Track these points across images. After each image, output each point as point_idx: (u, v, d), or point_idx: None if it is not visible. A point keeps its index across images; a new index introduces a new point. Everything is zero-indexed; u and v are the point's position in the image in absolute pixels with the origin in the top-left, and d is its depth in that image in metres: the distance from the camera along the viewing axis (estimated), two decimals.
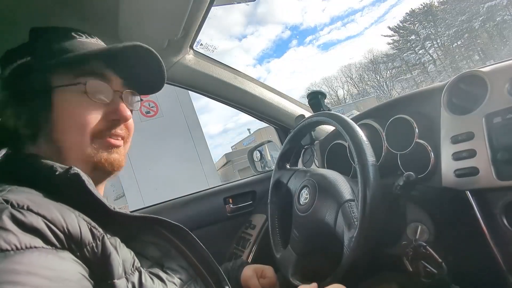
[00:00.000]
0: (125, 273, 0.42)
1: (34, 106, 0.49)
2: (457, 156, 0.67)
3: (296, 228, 0.82)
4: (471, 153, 0.64)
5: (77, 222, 0.40)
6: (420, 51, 33.91)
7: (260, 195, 1.30)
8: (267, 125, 1.42)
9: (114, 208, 0.46)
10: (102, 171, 0.51)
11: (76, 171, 0.44)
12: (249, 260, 1.14)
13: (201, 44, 1.04)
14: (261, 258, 1.11)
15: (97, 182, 0.52)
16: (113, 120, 0.52)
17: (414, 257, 0.66)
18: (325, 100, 1.11)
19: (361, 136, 0.68)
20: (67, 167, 0.45)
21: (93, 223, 0.42)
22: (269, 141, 1.56)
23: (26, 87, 0.49)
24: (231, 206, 1.26)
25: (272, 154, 1.64)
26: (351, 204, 0.69)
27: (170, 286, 0.47)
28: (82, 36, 0.54)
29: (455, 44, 31.20)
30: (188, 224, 1.16)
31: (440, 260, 0.62)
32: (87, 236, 0.40)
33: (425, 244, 0.65)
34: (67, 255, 0.38)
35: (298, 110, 1.29)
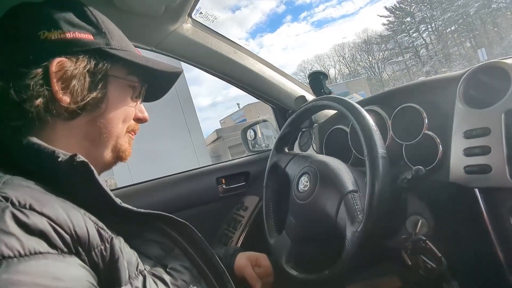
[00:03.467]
0: (129, 277, 0.39)
1: (88, 85, 0.46)
2: (468, 152, 0.64)
3: (292, 215, 0.79)
4: (485, 150, 0.61)
5: (84, 222, 0.36)
6: (414, 34, 33.72)
7: (253, 176, 1.27)
8: (257, 100, 1.35)
9: (120, 203, 0.42)
10: (118, 159, 0.54)
11: (82, 159, 0.39)
12: (240, 242, 1.13)
13: (201, 13, 0.95)
14: (252, 241, 1.11)
15: (100, 172, 0.50)
16: (138, 118, 0.57)
17: (414, 251, 0.65)
18: None
19: (372, 125, 0.64)
20: (70, 154, 0.39)
21: (100, 224, 0.38)
22: (264, 121, 1.50)
23: (88, 66, 0.45)
24: (223, 186, 1.23)
25: (263, 131, 1.59)
26: (354, 196, 0.66)
27: None
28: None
29: (449, 29, 31.12)
30: (179, 203, 1.15)
31: (439, 255, 0.61)
32: (95, 238, 0.36)
33: (424, 238, 0.64)
34: (74, 260, 0.34)
35: (298, 90, 1.22)
